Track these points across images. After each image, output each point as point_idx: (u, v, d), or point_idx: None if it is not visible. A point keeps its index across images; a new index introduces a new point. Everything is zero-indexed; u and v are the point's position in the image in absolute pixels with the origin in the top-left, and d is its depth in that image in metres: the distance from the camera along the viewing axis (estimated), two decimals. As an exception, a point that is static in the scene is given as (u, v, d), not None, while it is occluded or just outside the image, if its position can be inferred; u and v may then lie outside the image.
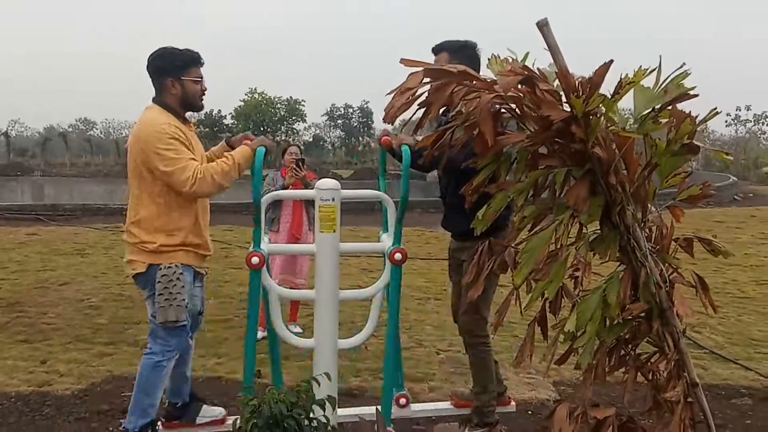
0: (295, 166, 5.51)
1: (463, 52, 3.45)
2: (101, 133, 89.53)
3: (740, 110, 53.14)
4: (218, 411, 3.72)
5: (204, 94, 3.43)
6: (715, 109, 2.33)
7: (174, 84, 3.30)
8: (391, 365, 3.42)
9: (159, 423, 3.52)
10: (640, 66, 2.25)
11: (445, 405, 3.95)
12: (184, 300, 3.24)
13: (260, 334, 5.60)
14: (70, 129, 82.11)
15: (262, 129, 55.55)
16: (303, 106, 61.16)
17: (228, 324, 6.09)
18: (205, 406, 3.70)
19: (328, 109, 67.47)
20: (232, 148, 3.48)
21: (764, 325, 6.40)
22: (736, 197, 22.11)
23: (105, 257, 9.62)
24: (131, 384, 4.37)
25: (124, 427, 3.33)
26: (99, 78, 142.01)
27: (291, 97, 60.52)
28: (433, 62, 3.43)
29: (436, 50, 3.50)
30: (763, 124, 52.21)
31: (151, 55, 3.34)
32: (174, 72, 3.29)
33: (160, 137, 3.13)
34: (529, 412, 4.18)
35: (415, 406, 3.87)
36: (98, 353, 5.21)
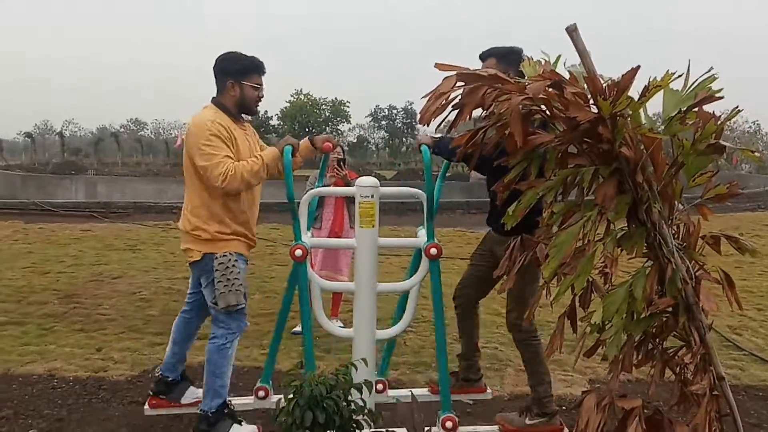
0: (336, 165, 5.66)
1: (510, 57, 3.55)
2: (152, 133, 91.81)
3: (795, 112, 51.57)
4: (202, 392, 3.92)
5: (260, 101, 3.61)
6: (737, 107, 2.40)
7: (234, 86, 3.49)
8: (443, 354, 3.52)
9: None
10: (668, 70, 2.34)
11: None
12: (241, 285, 3.44)
13: (298, 328, 5.83)
14: (122, 129, 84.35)
15: (307, 130, 56.21)
16: (348, 107, 61.71)
17: (272, 318, 6.27)
18: (192, 387, 3.89)
19: (373, 110, 67.83)
20: (314, 146, 3.66)
21: (808, 329, 6.32)
22: (787, 200, 21.49)
23: (156, 253, 9.97)
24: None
25: (201, 410, 3.53)
26: (150, 81, 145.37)
27: (336, 98, 61.11)
28: (480, 68, 3.57)
29: (484, 56, 3.61)
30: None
31: (220, 56, 3.55)
32: (236, 75, 3.49)
33: (203, 133, 3.34)
34: (563, 407, 4.27)
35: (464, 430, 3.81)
36: (149, 342, 5.47)
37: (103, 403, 4.21)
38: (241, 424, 3.53)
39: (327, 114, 61.33)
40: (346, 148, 7.13)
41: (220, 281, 3.37)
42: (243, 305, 3.49)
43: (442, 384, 3.57)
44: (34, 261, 9.06)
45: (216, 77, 3.54)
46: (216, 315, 3.50)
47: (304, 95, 59.79)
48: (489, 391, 4.15)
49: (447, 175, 4.10)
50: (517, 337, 3.71)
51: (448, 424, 3.51)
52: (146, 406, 3.83)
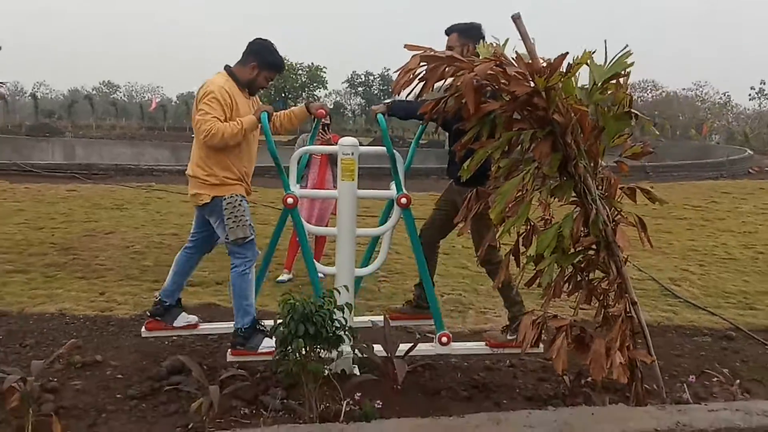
0: (321, 130, 6.19)
1: (470, 32, 4.15)
2: (124, 96, 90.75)
3: (765, 84, 52.82)
4: (193, 318, 4.51)
5: (262, 89, 4.25)
6: (593, 51, 3.00)
7: (254, 69, 4.08)
8: (429, 283, 4.14)
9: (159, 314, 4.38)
10: (585, 49, 2.95)
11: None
12: (248, 220, 4.04)
13: (285, 277, 6.43)
14: (94, 92, 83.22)
15: (283, 95, 56.16)
16: (324, 72, 61.67)
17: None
18: (183, 313, 4.49)
19: (349, 76, 67.84)
20: (309, 111, 4.33)
21: (740, 282, 7.05)
22: (750, 170, 22.36)
23: (143, 212, 10.45)
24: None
25: (235, 328, 4.10)
26: (121, 41, 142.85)
27: (312, 63, 60.99)
28: (446, 42, 4.15)
29: (448, 32, 4.20)
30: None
31: (258, 39, 4.13)
32: (262, 63, 4.08)
33: (208, 94, 3.95)
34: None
35: (456, 345, 4.35)
36: (147, 288, 6.03)
37: (113, 336, 4.79)
38: (271, 338, 4.02)
39: (303, 80, 61.30)
40: (331, 115, 7.69)
41: (229, 218, 3.96)
42: (252, 236, 4.08)
43: (432, 307, 4.18)
44: (27, 218, 9.49)
45: (246, 52, 4.10)
46: (231, 248, 4.08)
47: (281, 59, 59.56)
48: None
49: (422, 141, 4.70)
50: (488, 269, 4.29)
51: (444, 339, 4.16)
52: (143, 329, 4.42)
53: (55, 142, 28.29)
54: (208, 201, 4.04)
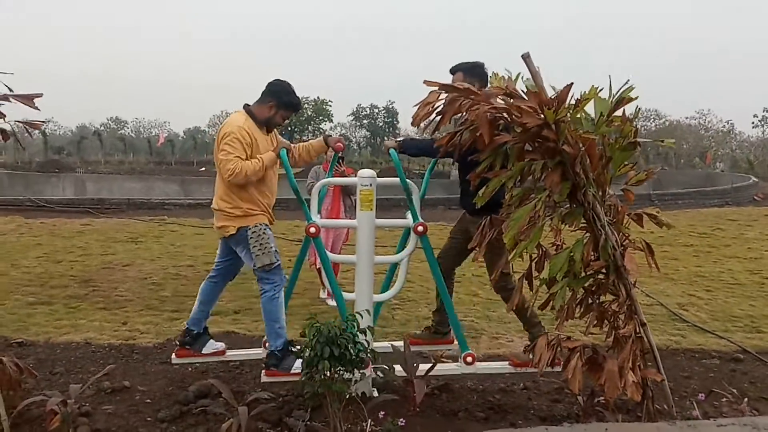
0: (337, 165, 6.53)
1: (475, 70, 4.36)
2: (132, 131, 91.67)
3: (768, 112, 53.09)
4: (221, 345, 4.68)
5: (278, 127, 4.49)
6: (600, 89, 3.19)
7: (271, 108, 4.33)
8: (449, 306, 4.37)
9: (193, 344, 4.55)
10: (592, 85, 3.15)
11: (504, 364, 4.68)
12: (273, 247, 4.24)
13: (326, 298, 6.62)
14: (102, 128, 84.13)
15: (289, 129, 56.69)
16: (330, 106, 62.37)
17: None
18: (211, 340, 4.66)
19: (354, 109, 68.53)
20: (327, 144, 4.59)
21: (747, 306, 7.18)
22: (755, 197, 22.52)
23: (157, 245, 10.67)
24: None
25: (270, 350, 4.26)
26: (130, 78, 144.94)
27: (318, 97, 61.71)
28: (451, 80, 4.36)
29: (453, 71, 4.40)
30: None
31: (277, 80, 4.38)
32: (281, 104, 4.33)
33: (228, 135, 4.18)
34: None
35: (480, 365, 4.54)
36: (168, 317, 6.21)
37: (138, 363, 4.95)
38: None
39: (309, 113, 61.99)
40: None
41: (255, 246, 4.16)
42: (278, 262, 4.27)
43: (455, 329, 4.39)
44: (45, 251, 9.72)
45: (265, 92, 4.35)
46: (259, 275, 4.27)
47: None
48: (455, 343, 4.76)
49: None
50: (504, 295, 4.46)
51: (468, 359, 4.35)
52: (173, 356, 4.58)
53: (66, 177, 28.60)
54: (234, 232, 4.24)
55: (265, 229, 4.25)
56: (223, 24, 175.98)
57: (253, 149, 4.23)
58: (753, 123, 58.13)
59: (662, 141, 3.63)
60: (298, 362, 4.10)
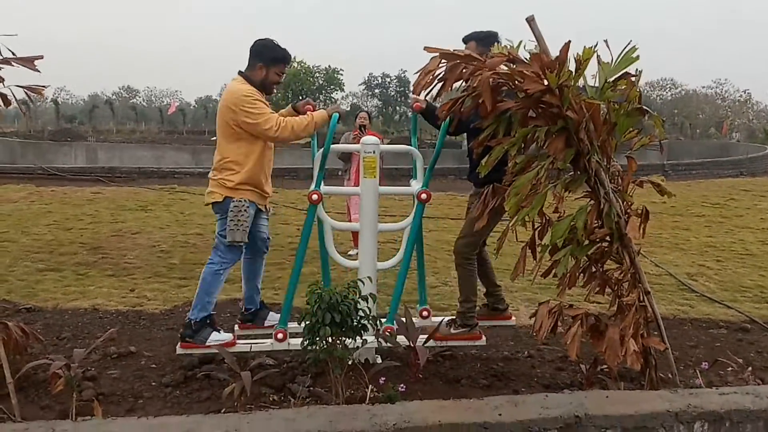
0: (358, 130, 7.34)
1: (488, 39, 4.24)
2: (143, 101, 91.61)
3: (784, 81, 52.08)
4: (278, 316, 4.65)
5: (277, 85, 4.37)
6: (595, 45, 3.14)
7: (262, 69, 4.21)
8: (401, 277, 4.31)
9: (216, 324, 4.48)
10: (584, 45, 3.10)
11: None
12: (247, 227, 4.18)
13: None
14: (114, 97, 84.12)
15: (300, 98, 56.45)
16: (341, 75, 61.99)
17: (281, 266, 7.09)
18: (271, 312, 4.66)
19: (366, 78, 68.08)
20: (297, 111, 4.37)
21: (757, 276, 7.13)
22: (771, 168, 22.29)
23: (167, 213, 10.71)
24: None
25: (188, 318, 4.26)
26: (141, 48, 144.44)
27: (330, 66, 61.31)
28: (464, 50, 4.27)
29: (466, 39, 4.30)
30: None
31: (258, 40, 4.26)
32: (267, 61, 4.21)
33: (247, 99, 4.07)
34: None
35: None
36: (175, 285, 6.25)
37: (145, 329, 5.00)
38: (219, 332, 4.26)
39: (321, 82, 61.67)
40: (369, 113, 8.67)
41: (231, 220, 4.11)
42: (243, 243, 4.22)
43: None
44: (55, 219, 9.79)
45: (250, 56, 4.24)
46: (219, 245, 4.25)
47: (298, 63, 59.98)
48: (513, 319, 4.80)
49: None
50: (457, 260, 4.36)
51: (424, 314, 4.45)
52: (236, 327, 4.58)
53: (77, 146, 28.71)
54: (220, 200, 4.19)
55: (247, 207, 4.17)
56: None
57: None
58: (771, 92, 57.17)
59: (663, 120, 3.52)
60: (214, 334, 4.18)
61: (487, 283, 4.66)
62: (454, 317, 4.47)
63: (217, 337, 4.16)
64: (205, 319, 4.24)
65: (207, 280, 4.25)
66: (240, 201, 4.17)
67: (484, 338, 4.40)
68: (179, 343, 4.22)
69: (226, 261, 4.27)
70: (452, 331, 4.36)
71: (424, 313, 4.43)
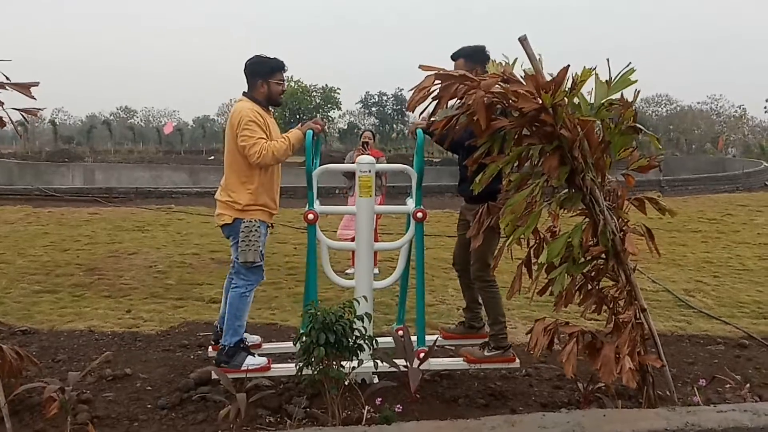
0: (361, 147, 7.58)
1: (476, 56, 4.27)
2: (141, 121, 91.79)
3: (780, 97, 52.45)
4: (256, 338, 4.63)
5: (283, 93, 4.39)
6: (594, 67, 3.16)
7: (263, 84, 4.25)
8: (421, 297, 4.30)
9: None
10: (584, 66, 3.11)
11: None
12: (260, 246, 4.19)
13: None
14: (112, 117, 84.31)
15: (298, 117, 56.70)
16: (338, 93, 62.28)
17: (277, 286, 7.07)
18: (246, 333, 4.50)
19: (363, 97, 68.40)
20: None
21: (754, 292, 7.11)
22: (766, 183, 22.37)
23: (164, 233, 10.69)
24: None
25: (222, 344, 4.23)
26: (138, 68, 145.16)
27: (326, 85, 61.60)
28: (453, 66, 4.30)
29: (455, 56, 4.31)
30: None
31: (249, 60, 4.29)
32: (264, 75, 4.25)
33: (243, 120, 4.11)
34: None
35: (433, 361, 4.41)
36: (172, 306, 6.23)
37: (141, 351, 4.97)
38: (254, 356, 4.24)
39: (318, 101, 61.93)
40: (373, 131, 8.68)
41: (243, 241, 4.12)
42: (260, 263, 4.23)
43: (418, 320, 4.32)
44: (52, 240, 9.77)
45: (247, 77, 4.28)
46: (239, 268, 4.23)
47: (295, 82, 60.27)
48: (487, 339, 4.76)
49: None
50: (479, 286, 4.36)
51: (400, 333, 4.32)
52: (209, 349, 4.54)
53: (75, 167, 28.86)
54: (230, 222, 4.19)
55: (258, 227, 4.18)
56: (235, 11, 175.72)
57: (268, 132, 4.18)
58: (765, 108, 57.40)
59: (658, 138, 3.53)
60: (249, 358, 4.15)
61: (469, 299, 4.65)
62: (486, 341, 4.41)
63: (252, 361, 4.14)
64: (238, 343, 4.22)
65: (234, 305, 4.23)
66: (250, 221, 4.18)
67: (518, 360, 4.30)
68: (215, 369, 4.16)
69: (251, 282, 4.27)
70: (486, 353, 4.30)
71: (400, 333, 4.34)
